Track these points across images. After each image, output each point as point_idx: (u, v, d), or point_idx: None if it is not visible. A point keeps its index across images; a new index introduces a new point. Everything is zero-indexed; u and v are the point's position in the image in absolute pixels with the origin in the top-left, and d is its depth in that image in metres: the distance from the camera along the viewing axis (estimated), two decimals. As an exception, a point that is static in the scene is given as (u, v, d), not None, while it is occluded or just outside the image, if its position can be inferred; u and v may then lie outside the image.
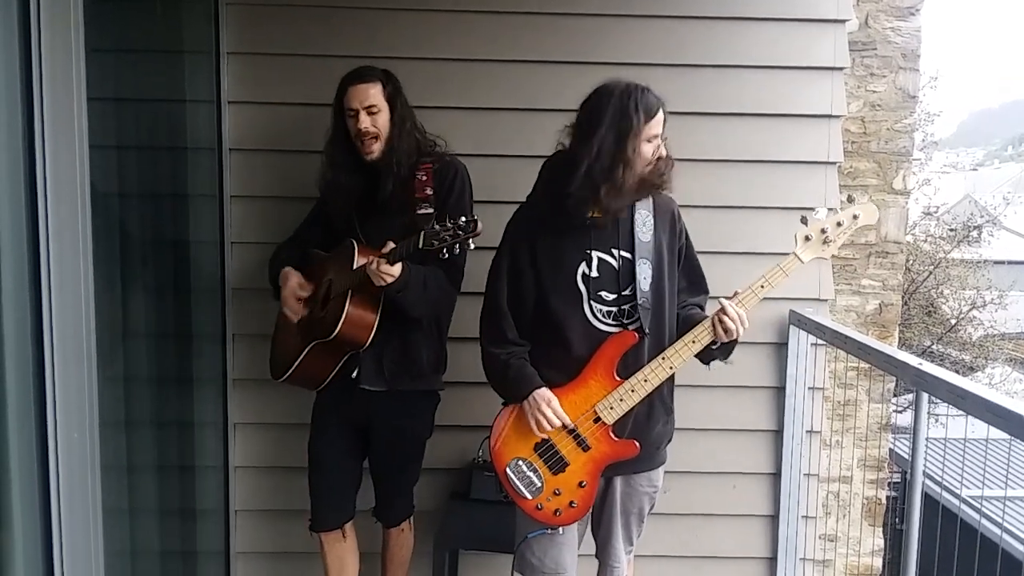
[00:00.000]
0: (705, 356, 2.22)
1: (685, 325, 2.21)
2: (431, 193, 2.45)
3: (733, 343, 2.19)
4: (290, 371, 2.56)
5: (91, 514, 1.85)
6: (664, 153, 2.14)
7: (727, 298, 2.14)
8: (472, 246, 2.16)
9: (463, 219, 2.13)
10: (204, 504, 2.99)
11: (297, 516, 2.90)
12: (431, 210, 2.43)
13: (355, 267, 2.37)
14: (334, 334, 2.39)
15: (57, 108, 1.71)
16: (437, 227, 2.15)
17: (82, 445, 1.81)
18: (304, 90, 2.87)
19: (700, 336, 2.13)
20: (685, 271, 2.32)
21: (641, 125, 2.07)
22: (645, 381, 2.14)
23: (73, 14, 1.75)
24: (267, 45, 2.91)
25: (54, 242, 1.72)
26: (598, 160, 2.07)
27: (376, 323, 2.42)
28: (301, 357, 2.52)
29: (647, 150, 2.10)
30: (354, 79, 2.44)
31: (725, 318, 2.10)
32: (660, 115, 2.10)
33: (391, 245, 2.29)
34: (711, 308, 2.23)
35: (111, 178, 2.26)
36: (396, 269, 2.28)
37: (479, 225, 2.13)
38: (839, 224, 2.18)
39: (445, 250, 2.15)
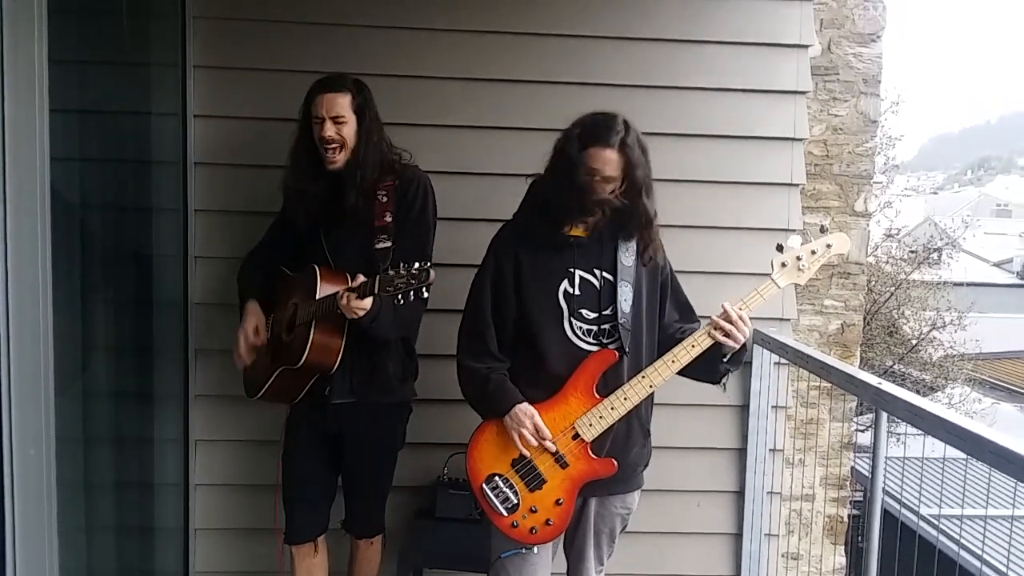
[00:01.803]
0: (712, 373, 2.24)
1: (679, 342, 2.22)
2: (390, 220, 2.45)
3: (743, 351, 2.22)
4: (261, 392, 2.56)
5: (47, 532, 1.82)
6: (602, 195, 2.12)
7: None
8: (426, 294, 2.13)
9: (416, 267, 2.11)
10: (164, 523, 2.94)
11: (259, 535, 2.87)
12: (389, 244, 2.43)
13: (319, 296, 2.36)
14: (301, 362, 2.38)
15: (18, 119, 1.69)
16: (391, 273, 2.14)
17: (39, 462, 1.78)
18: (271, 105, 2.86)
19: (700, 340, 2.15)
20: (674, 304, 2.37)
21: (576, 153, 2.10)
22: (625, 399, 2.15)
23: (37, 24, 1.73)
24: (234, 59, 2.89)
25: (13, 255, 1.69)
26: (546, 179, 2.19)
27: (342, 348, 2.41)
28: (271, 380, 2.51)
29: (584, 181, 2.11)
30: (324, 87, 2.44)
31: (722, 321, 2.12)
32: (596, 151, 2.10)
33: (361, 279, 2.28)
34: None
35: (73, 190, 2.23)
36: (367, 303, 2.28)
37: (432, 275, 2.11)
38: (813, 252, 2.25)
39: (400, 296, 2.14)
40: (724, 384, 2.34)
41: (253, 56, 2.89)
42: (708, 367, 2.21)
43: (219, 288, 2.85)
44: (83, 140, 2.33)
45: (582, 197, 2.12)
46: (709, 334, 2.14)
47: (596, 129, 2.12)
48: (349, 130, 2.44)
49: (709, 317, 2.18)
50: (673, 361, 2.16)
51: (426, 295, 2.14)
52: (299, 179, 2.49)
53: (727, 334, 2.12)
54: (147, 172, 2.81)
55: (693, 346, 2.15)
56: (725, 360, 2.21)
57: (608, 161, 2.10)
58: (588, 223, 2.20)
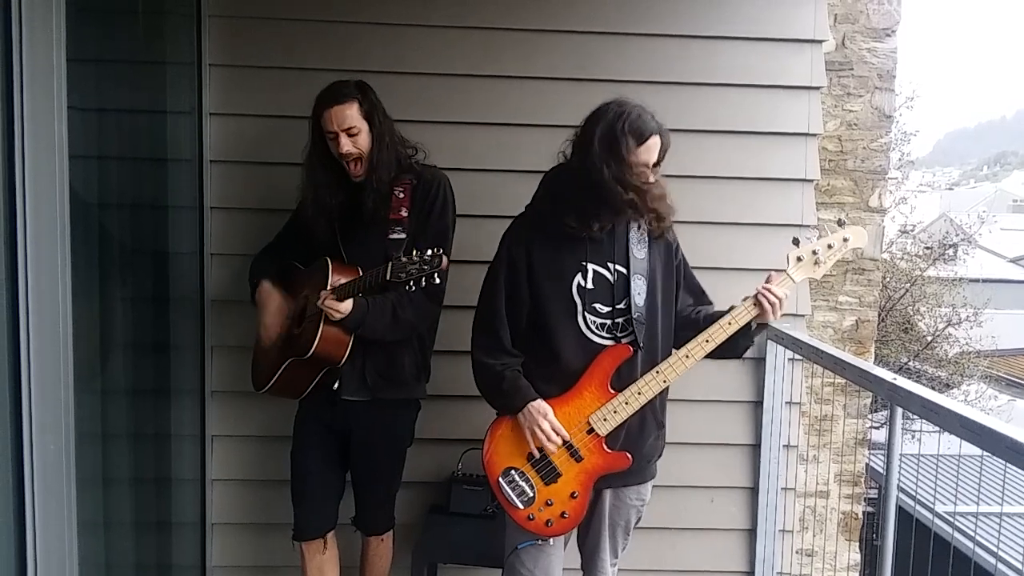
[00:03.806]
0: (735, 349, 2.25)
1: (708, 321, 2.22)
2: (406, 215, 2.46)
3: (763, 326, 2.24)
4: (269, 384, 2.57)
5: (66, 526, 1.84)
6: (653, 180, 2.15)
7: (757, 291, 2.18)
8: (438, 280, 2.15)
9: (429, 253, 2.13)
10: (181, 517, 2.97)
11: (275, 529, 2.89)
12: (403, 235, 2.44)
13: (329, 287, 2.38)
14: (310, 353, 2.39)
15: (37, 117, 1.71)
16: (404, 259, 2.15)
17: (58, 456, 1.80)
18: (286, 102, 2.88)
19: (739, 317, 2.17)
20: (688, 289, 2.37)
21: (629, 149, 2.09)
22: (639, 394, 2.16)
23: (55, 24, 1.75)
24: (249, 57, 2.91)
25: (32, 252, 1.71)
26: (588, 177, 2.11)
27: (351, 341, 2.42)
28: (279, 372, 2.52)
29: (636, 175, 2.11)
30: (330, 101, 2.41)
31: (769, 293, 2.15)
32: (652, 142, 2.11)
33: (341, 281, 2.30)
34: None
35: (91, 188, 2.25)
36: (344, 306, 2.30)
37: (445, 260, 2.13)
38: (830, 246, 2.25)
39: (412, 283, 2.15)
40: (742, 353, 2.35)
41: (268, 54, 2.91)
42: (732, 344, 2.21)
43: (235, 285, 2.87)
44: (100, 138, 2.35)
45: (642, 197, 2.12)
46: (756, 302, 2.16)
47: (642, 121, 2.12)
48: (363, 139, 2.44)
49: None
50: (687, 356, 2.17)
51: (438, 281, 2.14)
52: (319, 192, 2.48)
53: (771, 303, 2.15)
54: (163, 170, 2.83)
55: (730, 323, 2.16)
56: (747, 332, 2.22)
57: (657, 148, 2.14)
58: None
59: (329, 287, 2.37)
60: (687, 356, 2.17)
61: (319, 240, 2.55)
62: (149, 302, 2.77)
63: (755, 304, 2.16)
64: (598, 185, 2.10)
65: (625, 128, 2.09)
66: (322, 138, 2.47)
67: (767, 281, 2.19)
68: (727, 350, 2.22)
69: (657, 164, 2.17)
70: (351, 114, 2.41)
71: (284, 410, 2.72)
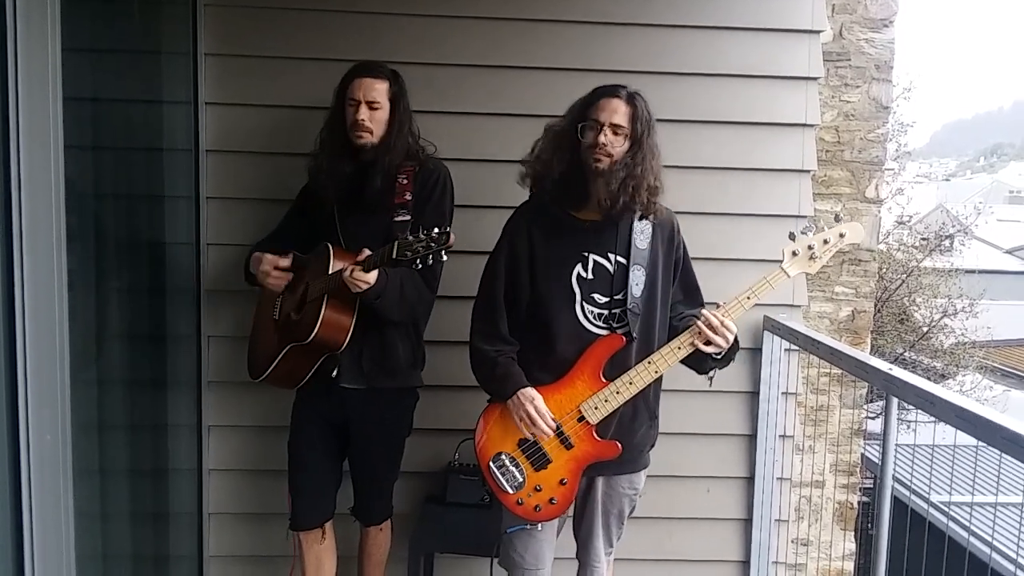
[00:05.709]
0: (701, 366, 2.27)
1: (676, 334, 2.24)
2: (410, 199, 2.49)
3: (733, 351, 2.23)
4: (268, 372, 2.56)
5: (63, 517, 1.84)
6: (604, 141, 2.14)
7: (715, 306, 2.18)
8: (445, 258, 2.17)
9: (436, 231, 2.14)
10: (178, 507, 2.97)
11: (272, 519, 2.90)
12: (408, 217, 2.46)
13: (331, 271, 2.38)
14: (311, 338, 2.39)
15: (32, 107, 1.70)
16: (411, 238, 2.16)
17: (55, 448, 1.79)
18: (281, 92, 2.87)
19: (684, 342, 2.17)
20: (681, 284, 2.38)
21: (590, 103, 2.17)
22: (630, 383, 2.18)
23: (49, 13, 1.74)
24: (245, 47, 2.90)
25: (27, 242, 1.70)
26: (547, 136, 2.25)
27: (352, 326, 2.43)
28: (278, 359, 2.52)
29: (588, 135, 2.15)
30: (363, 71, 2.48)
31: (703, 327, 2.14)
32: (609, 101, 2.15)
33: (367, 252, 2.31)
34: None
35: (86, 178, 2.24)
36: (371, 276, 2.30)
37: (451, 238, 2.14)
38: (826, 241, 2.25)
39: (418, 261, 2.16)
40: (711, 378, 2.36)
41: (264, 43, 2.89)
42: (696, 361, 2.24)
43: (231, 275, 2.86)
44: (96, 128, 2.34)
45: (586, 162, 2.16)
46: (691, 342, 2.16)
47: (603, 86, 2.20)
48: (382, 116, 2.47)
49: (715, 304, 2.19)
50: (679, 348, 2.18)
51: (445, 259, 2.17)
52: (332, 160, 2.50)
53: (708, 341, 2.14)
54: (159, 160, 2.82)
55: (679, 348, 2.17)
56: (716, 357, 2.22)
57: (616, 110, 2.14)
58: (601, 204, 2.19)
59: (330, 271, 2.38)
60: (679, 347, 2.18)
61: (317, 224, 2.55)
62: (145, 292, 2.76)
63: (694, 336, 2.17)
64: (552, 146, 2.22)
65: (596, 90, 2.19)
66: (342, 108, 2.49)
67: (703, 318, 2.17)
68: (694, 363, 2.26)
69: (630, 135, 2.16)
70: (380, 88, 2.47)
71: (281, 400, 2.72)
